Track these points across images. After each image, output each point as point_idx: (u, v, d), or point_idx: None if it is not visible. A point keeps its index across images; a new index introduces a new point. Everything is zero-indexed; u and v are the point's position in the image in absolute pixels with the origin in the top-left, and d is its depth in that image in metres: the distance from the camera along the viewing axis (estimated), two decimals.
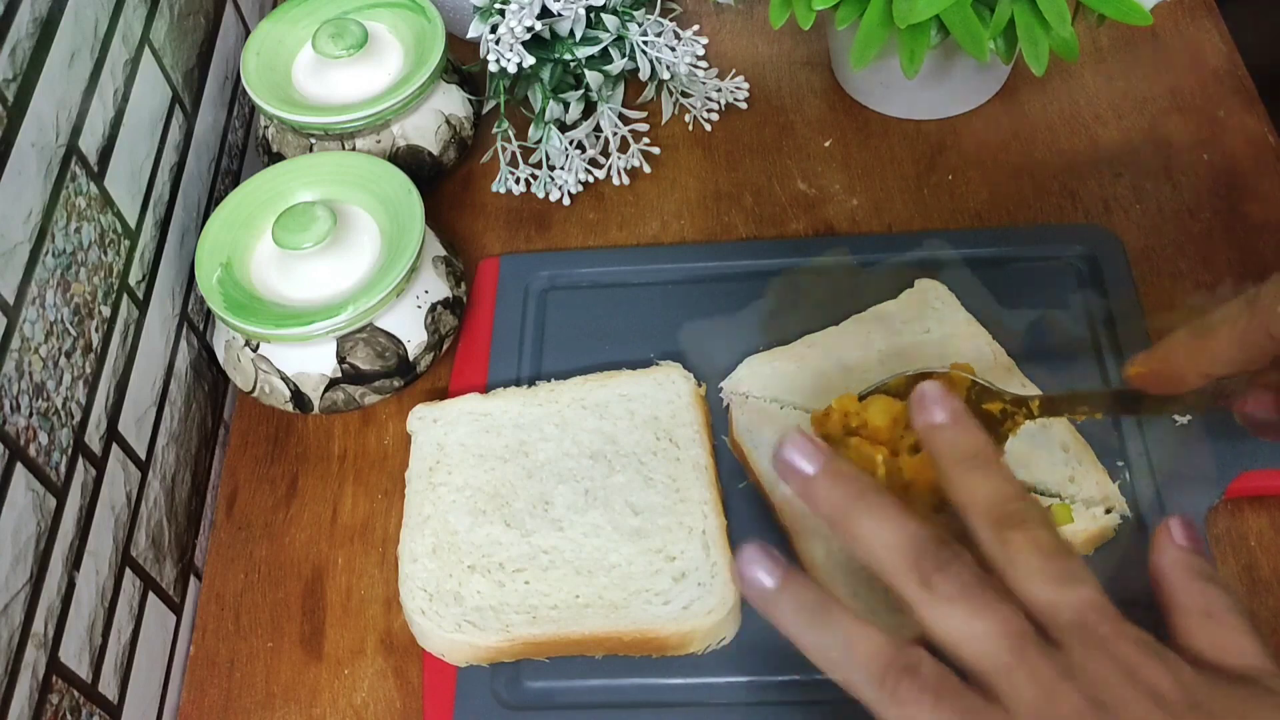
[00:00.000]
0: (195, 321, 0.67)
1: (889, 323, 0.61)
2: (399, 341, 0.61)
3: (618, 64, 0.70)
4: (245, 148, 0.77)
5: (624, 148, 0.73)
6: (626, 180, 0.73)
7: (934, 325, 0.60)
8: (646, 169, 0.73)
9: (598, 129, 0.73)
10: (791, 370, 0.59)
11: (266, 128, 0.71)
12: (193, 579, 0.63)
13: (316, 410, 0.61)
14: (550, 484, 0.57)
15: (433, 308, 0.62)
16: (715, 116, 0.75)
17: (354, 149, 0.68)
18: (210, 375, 0.68)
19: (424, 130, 0.69)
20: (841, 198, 0.70)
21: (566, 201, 0.72)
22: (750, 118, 0.76)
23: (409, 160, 0.69)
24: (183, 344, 0.65)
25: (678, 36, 0.70)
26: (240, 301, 0.59)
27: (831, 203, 0.70)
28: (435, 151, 0.70)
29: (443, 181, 0.73)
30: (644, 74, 0.70)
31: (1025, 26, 0.60)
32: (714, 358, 0.62)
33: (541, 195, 0.72)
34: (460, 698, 0.54)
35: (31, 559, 0.48)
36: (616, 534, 0.55)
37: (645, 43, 0.69)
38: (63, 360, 0.52)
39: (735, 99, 0.76)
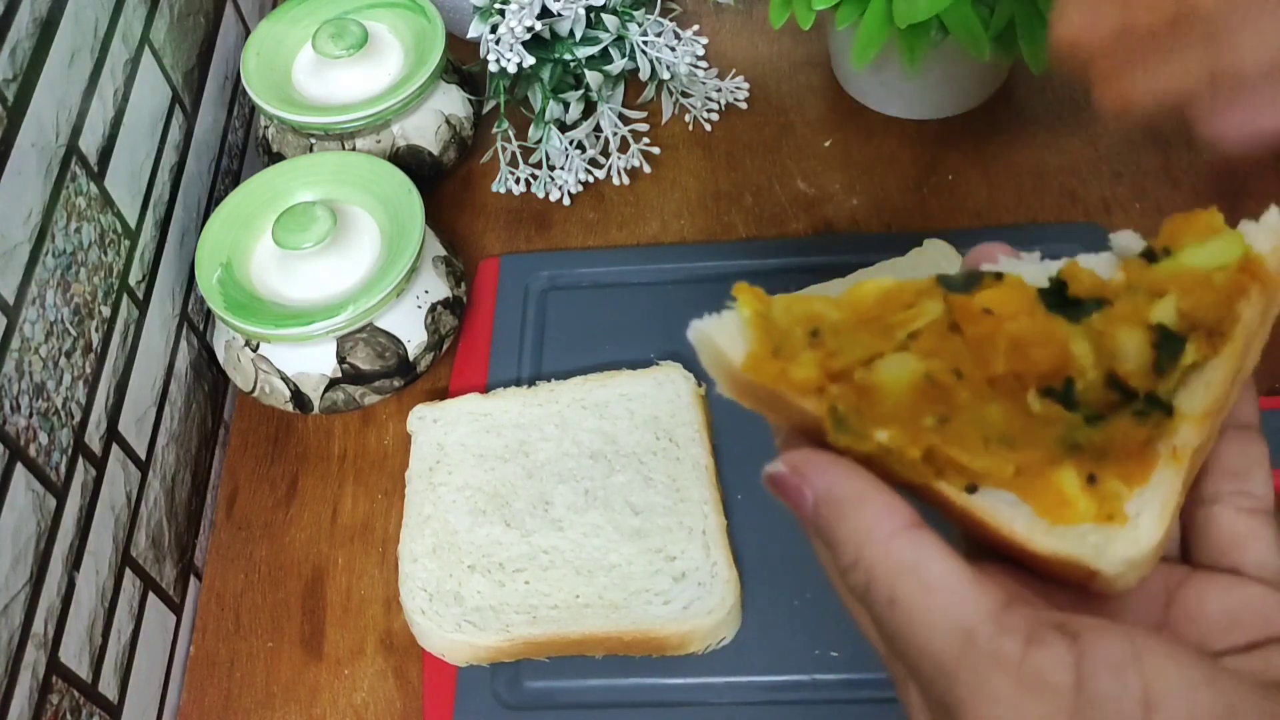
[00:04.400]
0: (195, 321, 0.67)
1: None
2: (399, 341, 0.61)
3: (618, 64, 0.70)
4: (245, 148, 0.77)
5: (624, 148, 0.73)
6: (626, 180, 0.73)
7: None
8: (646, 169, 0.73)
9: (598, 129, 0.73)
10: None
11: (266, 128, 0.71)
12: (193, 579, 0.63)
13: (316, 410, 0.61)
14: (550, 484, 0.57)
15: (433, 308, 0.62)
16: (715, 116, 0.75)
17: (354, 149, 0.68)
18: (210, 375, 0.68)
19: (424, 130, 0.69)
20: (841, 198, 0.70)
21: (566, 201, 0.72)
22: (750, 118, 0.75)
23: (409, 160, 0.69)
24: (183, 344, 0.65)
25: (678, 36, 0.70)
26: (240, 301, 0.59)
27: (831, 203, 0.70)
28: (435, 151, 0.70)
29: (443, 181, 0.73)
30: (644, 74, 0.70)
31: (1025, 26, 0.60)
32: None
33: (541, 195, 0.72)
34: (460, 698, 0.54)
35: (31, 559, 0.48)
36: (616, 534, 0.55)
37: (645, 43, 0.69)
38: (63, 360, 0.52)
39: (735, 99, 0.76)
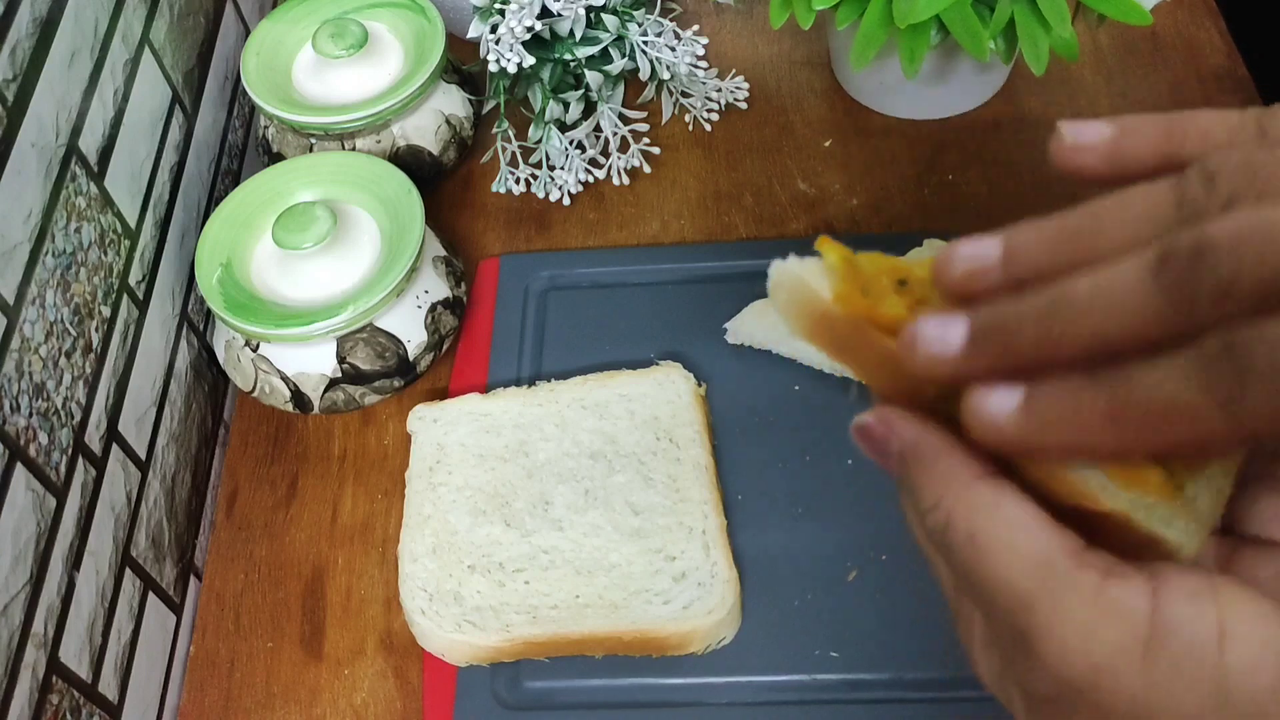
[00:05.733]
0: (195, 321, 0.67)
1: None
2: (399, 341, 0.61)
3: (618, 64, 0.70)
4: (245, 148, 0.77)
5: (624, 148, 0.73)
6: (626, 180, 0.73)
7: None
8: (646, 169, 0.73)
9: (598, 129, 0.73)
10: None
11: (266, 128, 0.71)
12: (193, 579, 0.63)
13: (316, 410, 0.61)
14: (550, 484, 0.57)
15: (433, 308, 0.62)
16: (715, 116, 0.75)
17: (354, 149, 0.68)
18: (210, 375, 0.68)
19: (424, 130, 0.69)
20: (841, 198, 0.70)
21: (566, 201, 0.71)
22: (750, 118, 0.75)
23: (409, 160, 0.69)
24: (183, 344, 0.65)
25: (678, 36, 0.70)
26: (240, 301, 0.59)
27: (831, 203, 0.70)
28: (435, 151, 0.70)
29: (443, 181, 0.73)
30: (644, 74, 0.70)
31: (1025, 26, 0.60)
32: (714, 357, 0.62)
33: (541, 195, 0.72)
34: (460, 698, 0.54)
35: (31, 559, 0.48)
36: (616, 534, 0.55)
37: (645, 43, 0.69)
38: (63, 360, 0.52)
39: (735, 99, 0.76)
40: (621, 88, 0.73)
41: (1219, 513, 0.27)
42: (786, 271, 0.30)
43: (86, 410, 0.54)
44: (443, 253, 0.65)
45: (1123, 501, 0.26)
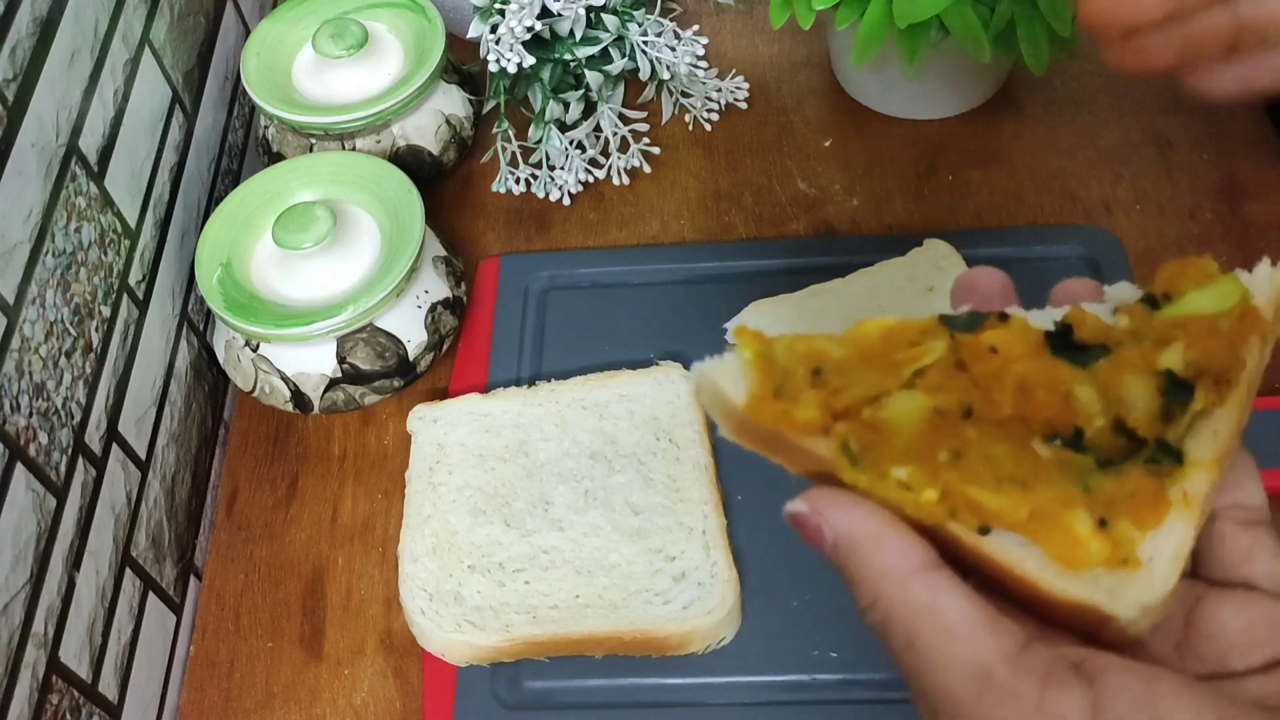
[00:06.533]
0: (195, 321, 0.67)
1: (893, 279, 0.62)
2: (399, 341, 0.61)
3: (618, 64, 0.70)
4: (245, 148, 0.77)
5: (624, 148, 0.73)
6: (626, 180, 0.73)
7: (938, 284, 0.61)
8: (646, 169, 0.73)
9: (598, 129, 0.73)
10: (792, 318, 0.60)
11: (266, 128, 0.71)
12: (193, 579, 0.63)
13: (316, 410, 0.61)
14: (550, 484, 0.57)
15: (433, 308, 0.62)
16: (715, 116, 0.75)
17: (354, 149, 0.68)
18: (210, 375, 0.68)
19: (424, 130, 0.69)
20: (841, 198, 0.70)
21: (566, 201, 0.72)
22: (750, 118, 0.75)
23: (409, 160, 0.69)
24: (183, 344, 0.65)
25: (678, 36, 0.70)
26: (240, 301, 0.59)
27: (831, 203, 0.70)
28: (435, 151, 0.70)
29: (443, 181, 0.73)
30: (644, 74, 0.70)
31: (1025, 26, 0.60)
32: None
33: (541, 195, 0.72)
34: (460, 698, 0.54)
35: (31, 559, 0.48)
36: (616, 534, 0.55)
37: (645, 43, 0.69)
38: (63, 360, 0.52)
39: (735, 99, 0.76)
40: (621, 88, 0.73)
41: (1177, 574, 0.26)
42: (703, 376, 0.29)
43: (86, 410, 0.54)
44: (443, 253, 0.65)
45: (1066, 584, 0.26)
